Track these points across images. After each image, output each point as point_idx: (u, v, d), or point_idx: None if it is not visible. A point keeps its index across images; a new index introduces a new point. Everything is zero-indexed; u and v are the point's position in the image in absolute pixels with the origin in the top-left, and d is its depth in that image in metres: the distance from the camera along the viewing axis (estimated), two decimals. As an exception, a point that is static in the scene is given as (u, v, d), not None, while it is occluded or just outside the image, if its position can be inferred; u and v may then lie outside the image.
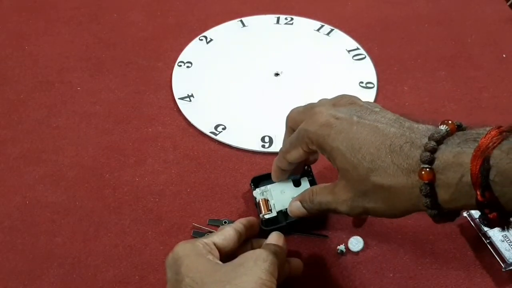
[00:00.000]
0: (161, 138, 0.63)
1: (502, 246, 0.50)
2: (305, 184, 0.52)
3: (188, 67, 0.72)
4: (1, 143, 0.62)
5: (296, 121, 0.46)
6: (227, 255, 0.43)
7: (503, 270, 0.50)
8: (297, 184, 0.52)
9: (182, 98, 0.68)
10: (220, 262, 0.41)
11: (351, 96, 0.44)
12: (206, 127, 0.64)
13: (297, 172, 0.52)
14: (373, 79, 0.70)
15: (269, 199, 0.51)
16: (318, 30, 0.78)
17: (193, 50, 0.75)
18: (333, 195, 0.43)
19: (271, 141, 0.62)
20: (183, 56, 0.74)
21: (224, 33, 0.78)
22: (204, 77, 0.71)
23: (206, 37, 0.77)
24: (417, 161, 0.35)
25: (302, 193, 0.48)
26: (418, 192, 0.36)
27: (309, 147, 0.43)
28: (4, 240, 0.53)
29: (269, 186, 0.51)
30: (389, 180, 0.37)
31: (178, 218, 0.55)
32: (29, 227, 0.54)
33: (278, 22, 0.79)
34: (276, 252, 0.43)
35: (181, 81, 0.70)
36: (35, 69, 0.72)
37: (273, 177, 0.51)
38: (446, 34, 0.77)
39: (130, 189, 0.57)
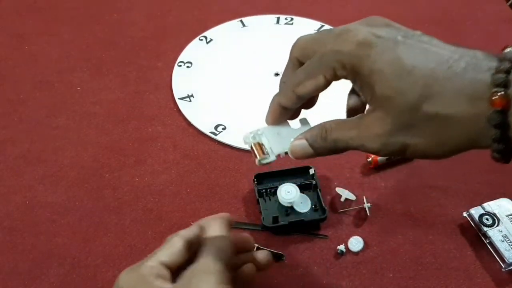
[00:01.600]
0: (161, 138, 0.63)
1: (502, 246, 0.50)
2: (304, 126, 0.42)
3: (188, 67, 0.72)
4: (1, 143, 0.62)
5: (308, 49, 0.38)
6: (180, 267, 0.39)
7: (503, 270, 0.50)
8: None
9: (182, 98, 0.67)
10: (170, 285, 0.37)
11: (384, 18, 0.38)
12: (206, 127, 0.64)
13: (296, 115, 0.43)
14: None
15: (263, 143, 0.42)
16: (318, 30, 0.78)
17: (193, 50, 0.75)
18: (359, 129, 0.36)
19: (271, 141, 0.62)
20: (183, 56, 0.74)
21: (224, 33, 0.78)
22: (204, 77, 0.71)
23: (206, 37, 0.77)
24: (486, 85, 0.30)
25: (309, 130, 0.39)
26: (484, 123, 0.31)
27: (336, 74, 0.36)
28: (4, 240, 0.53)
29: (261, 129, 0.42)
30: (447, 109, 0.32)
31: (178, 218, 0.55)
32: (29, 227, 0.54)
33: (278, 22, 0.79)
34: (221, 250, 0.39)
35: (181, 81, 0.70)
36: (35, 69, 0.72)
37: (269, 118, 0.42)
38: (446, 34, 0.77)
39: (130, 189, 0.57)
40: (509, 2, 0.82)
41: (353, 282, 0.50)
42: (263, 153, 0.41)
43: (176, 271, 0.38)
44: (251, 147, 0.42)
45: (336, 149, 0.38)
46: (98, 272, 0.50)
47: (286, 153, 0.41)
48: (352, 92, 0.41)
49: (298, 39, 0.40)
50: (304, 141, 0.39)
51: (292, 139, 0.40)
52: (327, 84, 0.37)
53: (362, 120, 0.36)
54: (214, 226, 0.41)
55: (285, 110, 0.41)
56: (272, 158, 0.41)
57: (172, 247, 0.39)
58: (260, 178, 0.56)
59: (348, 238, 0.52)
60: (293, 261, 0.51)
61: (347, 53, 0.35)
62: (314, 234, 0.53)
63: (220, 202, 0.56)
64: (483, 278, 0.50)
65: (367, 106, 0.37)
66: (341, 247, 0.52)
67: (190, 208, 0.56)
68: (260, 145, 0.42)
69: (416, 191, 0.57)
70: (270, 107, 0.42)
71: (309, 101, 0.42)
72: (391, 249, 0.52)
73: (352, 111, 0.41)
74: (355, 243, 0.52)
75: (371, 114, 0.35)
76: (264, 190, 0.55)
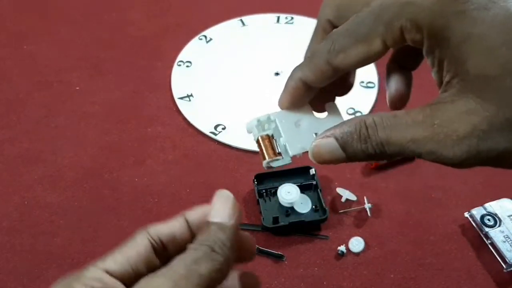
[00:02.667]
0: (161, 138, 0.63)
1: (504, 247, 0.50)
2: (333, 115, 0.30)
3: (187, 66, 0.72)
4: (-1, 143, 0.62)
5: (351, 6, 0.28)
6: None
7: (504, 270, 0.50)
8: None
9: (181, 98, 0.67)
10: None
11: None
12: (205, 127, 0.63)
13: (321, 100, 0.30)
14: (374, 78, 0.70)
15: (274, 136, 0.29)
16: (318, 29, 0.77)
17: (192, 49, 0.75)
18: (429, 128, 0.24)
19: (271, 141, 0.62)
20: (182, 56, 0.73)
21: (224, 32, 0.77)
22: (204, 76, 0.71)
23: (205, 36, 0.76)
24: None
25: (339, 126, 0.26)
26: None
27: (403, 37, 0.25)
28: (2, 240, 0.53)
29: (273, 114, 0.30)
30: None
31: (178, 218, 0.54)
32: (27, 227, 0.54)
33: (278, 21, 0.79)
34: (210, 261, 0.24)
35: (180, 80, 0.70)
36: (34, 68, 0.72)
37: (285, 99, 0.30)
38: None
39: (129, 189, 0.57)
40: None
41: (354, 283, 0.49)
42: (274, 152, 0.29)
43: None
44: (257, 141, 0.30)
45: (383, 155, 0.26)
46: (97, 273, 0.50)
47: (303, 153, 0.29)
48: (394, 69, 0.30)
49: None
50: (332, 140, 0.26)
51: (315, 135, 0.28)
52: (382, 53, 0.26)
53: (436, 113, 0.24)
54: (223, 205, 0.27)
55: (309, 90, 0.29)
56: (286, 160, 0.29)
57: (132, 249, 0.26)
58: (260, 178, 0.55)
59: (349, 238, 0.52)
60: (293, 262, 0.51)
61: (427, 8, 0.23)
62: (314, 234, 0.53)
63: (220, 203, 0.56)
64: (484, 279, 0.50)
65: (443, 91, 0.24)
66: (342, 248, 0.51)
67: (190, 208, 0.55)
68: (270, 139, 0.29)
69: (417, 191, 0.57)
70: (287, 84, 0.29)
71: (344, 81, 0.30)
72: (392, 250, 0.52)
73: (396, 102, 0.29)
74: (356, 243, 0.52)
75: (453, 104, 0.23)
76: (264, 191, 0.55)
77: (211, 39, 0.76)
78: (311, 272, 0.50)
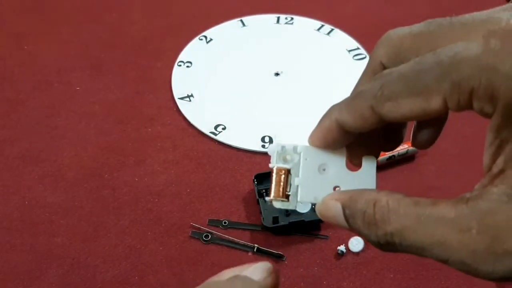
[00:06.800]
0: (161, 138, 0.63)
1: (503, 247, 0.50)
2: (367, 169, 0.26)
3: (188, 66, 0.72)
4: (0, 143, 0.62)
5: (409, 49, 0.23)
6: None
7: (504, 270, 0.50)
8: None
9: (181, 98, 0.67)
10: None
11: None
12: (206, 127, 0.64)
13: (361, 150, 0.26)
14: (374, 79, 0.70)
15: (292, 172, 0.26)
16: (318, 29, 0.77)
17: (193, 49, 0.75)
18: (467, 232, 0.19)
19: (271, 141, 0.62)
20: (182, 56, 0.73)
21: (224, 32, 0.77)
22: (204, 77, 0.71)
23: (206, 37, 0.77)
24: None
25: (350, 192, 0.24)
26: None
27: (470, 103, 0.20)
28: (3, 240, 0.53)
29: (300, 148, 0.26)
30: None
31: (178, 218, 0.54)
32: (28, 227, 0.54)
33: (278, 21, 0.79)
34: None
35: (181, 80, 0.70)
36: (34, 68, 0.72)
37: (316, 138, 0.26)
38: (447, 34, 0.77)
39: (130, 189, 0.57)
40: (510, 2, 0.82)
41: (354, 283, 0.49)
42: (283, 192, 0.26)
43: None
44: (272, 170, 0.27)
45: (391, 249, 0.22)
46: (98, 272, 0.50)
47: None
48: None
49: (389, 33, 0.24)
50: (339, 207, 0.23)
51: (332, 189, 0.25)
52: (440, 113, 0.21)
53: (476, 213, 0.19)
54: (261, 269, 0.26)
55: (346, 134, 0.24)
56: (291, 205, 0.27)
57: None
58: (260, 178, 0.56)
59: (349, 238, 0.52)
60: (293, 261, 0.51)
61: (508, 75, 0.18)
62: (314, 234, 0.53)
63: (220, 202, 0.56)
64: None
65: (489, 182, 0.20)
66: (342, 248, 0.51)
67: (190, 208, 0.55)
68: (286, 175, 0.26)
69: (416, 191, 0.57)
70: (320, 121, 0.25)
71: (393, 133, 0.26)
72: (391, 250, 0.52)
73: (423, 139, 0.26)
74: (356, 243, 0.52)
75: (502, 206, 0.19)
76: (264, 190, 0.55)
77: (211, 39, 0.76)
78: (311, 272, 0.50)
